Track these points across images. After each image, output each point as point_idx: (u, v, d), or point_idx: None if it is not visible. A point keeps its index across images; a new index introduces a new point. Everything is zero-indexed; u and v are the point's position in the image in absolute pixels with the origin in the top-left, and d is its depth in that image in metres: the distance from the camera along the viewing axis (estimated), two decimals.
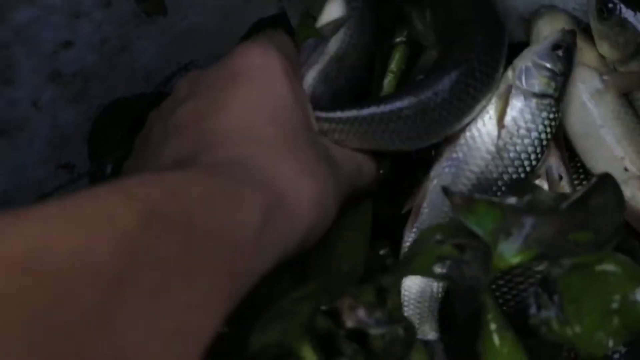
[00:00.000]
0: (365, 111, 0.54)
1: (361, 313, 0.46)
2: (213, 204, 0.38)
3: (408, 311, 0.57)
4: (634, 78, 0.61)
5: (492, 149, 0.57)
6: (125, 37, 0.68)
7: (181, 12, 0.70)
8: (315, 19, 0.60)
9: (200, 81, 0.51)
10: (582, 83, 0.60)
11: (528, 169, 0.57)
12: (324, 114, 0.54)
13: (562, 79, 0.57)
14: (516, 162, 0.57)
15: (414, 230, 0.58)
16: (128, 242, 0.32)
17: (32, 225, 0.30)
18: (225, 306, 0.38)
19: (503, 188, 0.57)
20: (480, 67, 0.56)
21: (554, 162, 0.60)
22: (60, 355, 0.29)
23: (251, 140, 0.46)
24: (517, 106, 0.57)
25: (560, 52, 0.57)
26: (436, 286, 0.58)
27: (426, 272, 0.50)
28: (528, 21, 0.63)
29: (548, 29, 0.61)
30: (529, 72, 0.57)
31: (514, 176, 0.57)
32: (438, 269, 0.48)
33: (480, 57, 0.56)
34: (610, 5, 0.60)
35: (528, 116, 0.57)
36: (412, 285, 0.58)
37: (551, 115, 0.57)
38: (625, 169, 0.59)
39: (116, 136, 0.68)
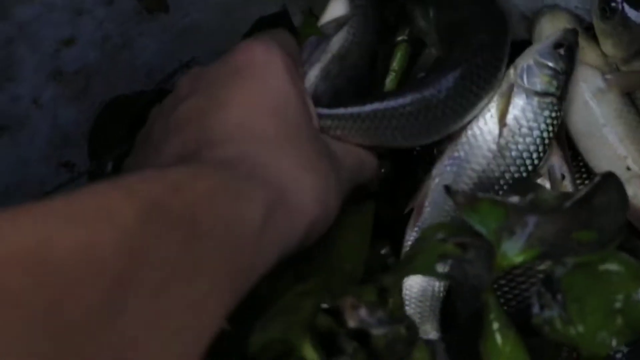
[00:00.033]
0: (368, 107, 0.54)
1: (363, 312, 0.46)
2: (216, 200, 0.38)
3: (409, 310, 0.57)
4: (637, 77, 0.61)
5: (494, 147, 0.57)
6: (127, 34, 0.68)
7: (183, 9, 0.70)
8: (317, 17, 0.60)
9: (202, 78, 0.50)
10: (584, 82, 0.60)
11: (530, 167, 0.57)
12: (326, 111, 0.54)
13: (564, 78, 0.57)
14: (518, 161, 0.57)
15: (416, 229, 0.58)
16: (129, 240, 0.32)
17: (32, 222, 0.30)
18: (226, 304, 0.38)
19: (505, 187, 0.57)
20: (483, 64, 0.56)
21: (557, 161, 0.60)
22: (60, 356, 0.29)
23: (253, 136, 0.46)
24: (519, 105, 0.57)
25: (562, 51, 0.58)
26: (437, 285, 0.58)
27: (428, 271, 0.50)
28: (530, 20, 0.63)
29: (550, 28, 0.61)
30: (530, 70, 0.57)
31: (516, 175, 0.57)
32: (440, 268, 0.48)
33: (483, 55, 0.56)
34: (613, 4, 0.60)
35: (530, 115, 0.57)
36: (413, 284, 0.58)
37: (553, 114, 0.57)
38: (628, 168, 0.59)
39: (117, 134, 0.68)
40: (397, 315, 0.49)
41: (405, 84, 0.63)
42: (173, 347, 0.34)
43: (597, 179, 0.46)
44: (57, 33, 0.64)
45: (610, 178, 0.47)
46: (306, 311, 0.47)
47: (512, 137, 0.57)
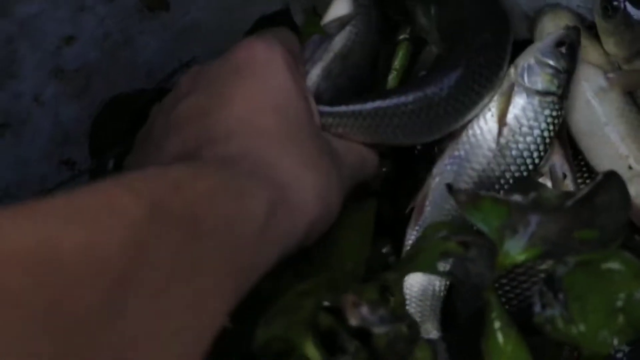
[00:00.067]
0: (369, 105, 0.54)
1: (364, 310, 0.46)
2: (216, 199, 0.38)
3: (410, 310, 0.57)
4: (639, 76, 0.61)
5: (494, 146, 0.57)
6: (128, 32, 0.68)
7: (184, 8, 0.70)
8: (320, 16, 0.60)
9: (203, 76, 0.50)
10: (586, 81, 0.60)
11: (530, 167, 0.57)
12: (327, 108, 0.54)
13: (565, 76, 0.57)
14: (518, 160, 0.57)
15: (417, 228, 0.58)
16: (131, 239, 0.32)
17: (33, 221, 0.30)
18: (227, 304, 0.38)
19: (505, 186, 0.57)
20: (485, 63, 0.56)
21: (558, 160, 0.59)
22: (60, 356, 0.29)
23: (254, 134, 0.46)
24: (519, 104, 0.57)
25: (563, 49, 0.57)
26: (438, 285, 0.58)
27: (430, 269, 0.50)
28: (532, 18, 0.63)
29: (552, 27, 0.61)
30: (531, 69, 0.57)
31: (516, 174, 0.57)
32: (442, 266, 0.48)
33: (485, 53, 0.56)
34: (615, 3, 0.60)
35: (530, 114, 0.57)
36: (414, 283, 0.58)
37: (554, 113, 0.57)
38: (630, 167, 0.59)
39: (118, 132, 0.68)
40: (399, 313, 0.49)
41: (406, 82, 0.62)
42: (173, 347, 0.34)
43: (599, 177, 0.46)
44: (58, 31, 0.64)
45: (612, 177, 0.46)
46: (307, 310, 0.47)
47: (513, 136, 0.57)
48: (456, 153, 0.58)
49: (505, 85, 0.57)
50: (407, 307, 0.57)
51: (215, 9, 0.71)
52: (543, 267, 0.51)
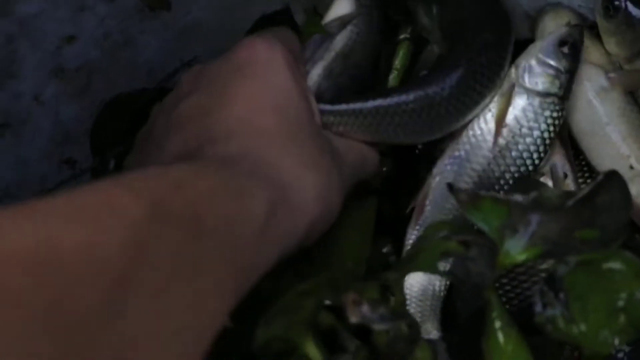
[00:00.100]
0: (370, 104, 0.54)
1: (365, 308, 0.46)
2: (217, 198, 0.38)
3: (410, 309, 0.57)
4: None
5: (494, 147, 0.57)
6: (128, 31, 0.68)
7: (185, 7, 0.70)
8: (321, 16, 0.60)
9: (204, 75, 0.50)
10: (587, 81, 0.60)
11: (530, 168, 0.57)
12: (328, 107, 0.54)
13: (567, 77, 0.57)
14: (518, 161, 0.57)
15: (417, 227, 0.58)
16: (131, 239, 0.32)
17: (33, 221, 0.30)
18: (227, 304, 0.37)
19: (505, 187, 0.57)
20: (486, 63, 0.56)
21: (559, 160, 0.59)
22: (60, 356, 0.29)
23: (254, 134, 0.46)
24: (519, 105, 0.56)
25: (565, 49, 0.57)
26: (438, 284, 0.58)
27: (431, 269, 0.50)
28: (533, 18, 0.63)
29: (553, 26, 0.61)
30: (532, 70, 0.57)
31: (516, 175, 0.57)
32: (442, 265, 0.48)
33: (486, 53, 0.56)
34: (617, 2, 0.59)
35: (531, 115, 0.56)
36: (414, 283, 0.57)
37: (555, 114, 0.57)
38: (631, 167, 0.59)
39: (118, 131, 0.68)
40: (399, 312, 0.49)
41: (408, 82, 0.62)
42: (173, 347, 0.34)
43: (600, 177, 0.46)
44: (59, 30, 0.64)
45: (613, 176, 0.46)
46: (307, 310, 0.47)
47: (512, 137, 0.56)
48: (456, 153, 0.57)
49: (505, 85, 0.57)
50: (407, 307, 0.57)
51: (216, 9, 0.71)
52: (544, 266, 0.51)
